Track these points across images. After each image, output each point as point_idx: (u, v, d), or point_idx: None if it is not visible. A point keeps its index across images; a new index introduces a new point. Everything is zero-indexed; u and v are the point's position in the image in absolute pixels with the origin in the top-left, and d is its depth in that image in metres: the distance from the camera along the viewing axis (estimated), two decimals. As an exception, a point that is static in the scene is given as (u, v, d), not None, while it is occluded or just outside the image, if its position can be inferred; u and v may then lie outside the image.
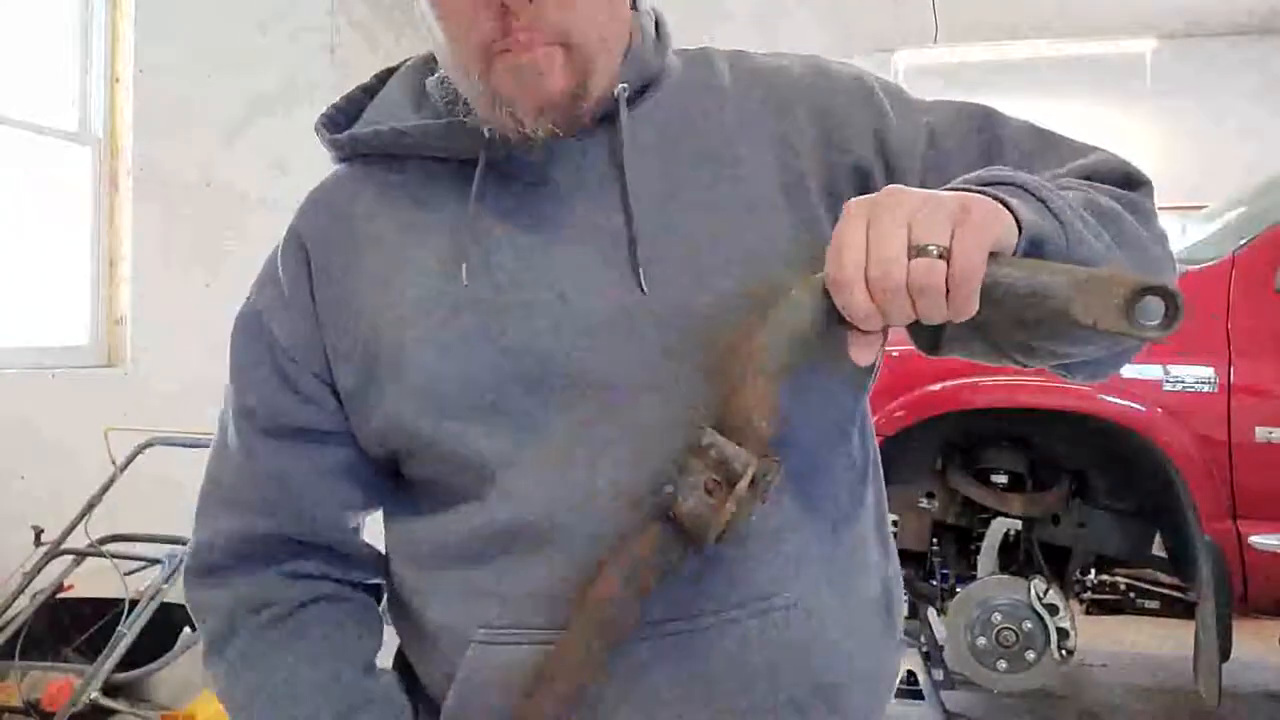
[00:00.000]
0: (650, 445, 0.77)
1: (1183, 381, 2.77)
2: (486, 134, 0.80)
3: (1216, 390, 2.75)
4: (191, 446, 2.86)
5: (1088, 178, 0.83)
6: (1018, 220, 0.67)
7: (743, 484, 0.67)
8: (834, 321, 0.67)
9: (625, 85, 0.81)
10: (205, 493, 0.94)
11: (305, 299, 0.86)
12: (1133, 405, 2.79)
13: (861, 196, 0.67)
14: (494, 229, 0.81)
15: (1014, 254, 0.66)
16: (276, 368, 0.88)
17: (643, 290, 0.78)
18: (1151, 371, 2.80)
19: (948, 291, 0.64)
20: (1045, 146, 0.87)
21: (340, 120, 0.94)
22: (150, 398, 3.42)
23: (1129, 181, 0.87)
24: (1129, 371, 2.82)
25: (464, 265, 0.80)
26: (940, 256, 0.63)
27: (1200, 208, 4.27)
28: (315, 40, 4.47)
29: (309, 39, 4.43)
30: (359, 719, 0.86)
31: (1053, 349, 0.75)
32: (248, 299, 0.92)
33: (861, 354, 0.69)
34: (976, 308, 0.64)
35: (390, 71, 0.96)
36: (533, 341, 0.79)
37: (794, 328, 0.68)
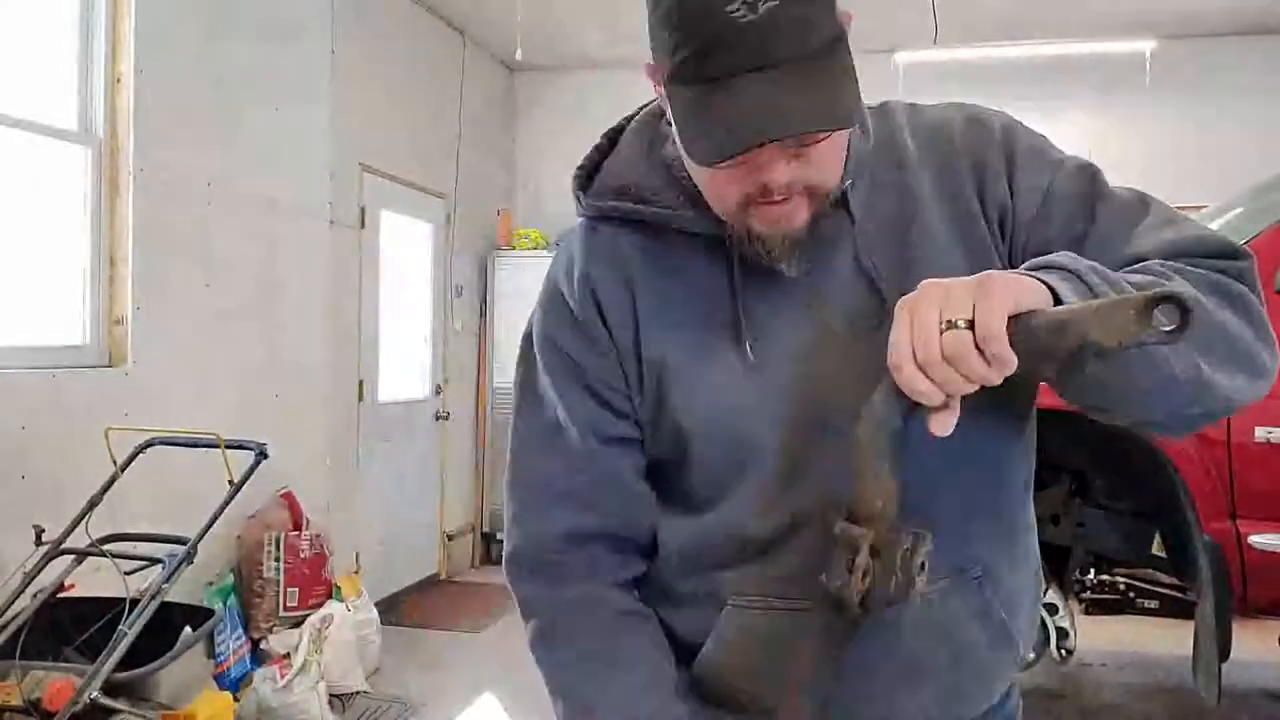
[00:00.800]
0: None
1: (1182, 381, 2.77)
2: (731, 238, 0.95)
3: (1216, 390, 2.75)
4: (191, 446, 2.87)
5: (1186, 253, 0.90)
6: (1050, 288, 0.77)
7: (861, 556, 0.79)
8: (908, 406, 0.78)
9: (850, 182, 0.96)
10: (531, 491, 1.07)
11: (604, 336, 1.02)
12: (1132, 405, 2.79)
13: (905, 296, 0.79)
14: (756, 308, 0.97)
15: None
16: (590, 390, 1.03)
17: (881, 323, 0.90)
18: (1151, 371, 2.80)
19: (981, 353, 0.74)
20: (1142, 210, 0.96)
21: (582, 177, 1.07)
22: (150, 398, 3.42)
23: (1228, 253, 0.91)
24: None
25: (748, 344, 0.97)
26: (966, 326, 0.74)
27: (1200, 208, 4.27)
28: (315, 40, 4.47)
29: (309, 39, 4.43)
30: None
31: (1124, 408, 0.86)
32: (539, 325, 1.07)
33: (939, 427, 0.78)
34: (1014, 361, 0.74)
35: (619, 131, 1.08)
36: (804, 407, 0.96)
37: (880, 421, 0.79)
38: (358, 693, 3.76)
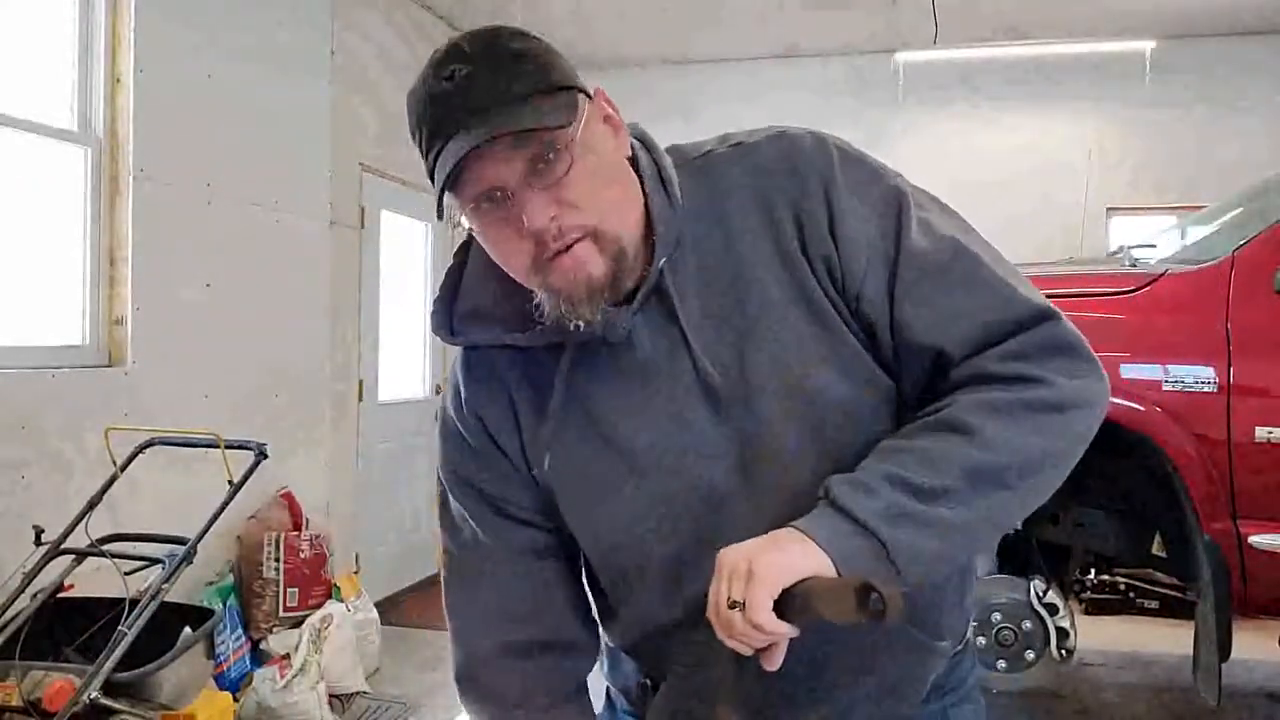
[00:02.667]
0: (749, 530, 0.95)
1: (1182, 381, 2.77)
2: (574, 328, 0.96)
3: (1216, 390, 2.75)
4: (191, 446, 2.87)
5: (989, 342, 0.94)
6: (829, 552, 0.87)
7: None
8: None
9: (665, 264, 0.99)
10: (467, 614, 1.14)
11: (501, 460, 1.07)
12: (1132, 405, 2.79)
13: (721, 553, 0.90)
14: (604, 402, 1.02)
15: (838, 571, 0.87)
16: (502, 513, 1.09)
17: (719, 416, 1.00)
18: (1151, 371, 2.80)
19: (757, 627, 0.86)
20: (942, 280, 0.96)
21: (442, 310, 1.09)
22: (150, 398, 3.42)
23: (1031, 321, 0.96)
24: (1129, 371, 2.82)
25: (599, 459, 1.03)
26: (737, 607, 0.86)
27: (1200, 208, 4.27)
28: (316, 41, 4.47)
29: (309, 40, 4.43)
30: None
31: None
32: (442, 459, 1.12)
33: (768, 664, 0.89)
34: (787, 629, 0.86)
35: (466, 246, 1.10)
36: (655, 487, 1.02)
37: (729, 655, 0.91)
38: (358, 693, 3.76)
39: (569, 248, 0.92)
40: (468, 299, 1.07)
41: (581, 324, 0.95)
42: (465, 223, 0.97)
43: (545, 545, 1.10)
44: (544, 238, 0.91)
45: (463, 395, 1.08)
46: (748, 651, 0.89)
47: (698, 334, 0.99)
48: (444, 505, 1.13)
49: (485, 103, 0.89)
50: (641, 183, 0.99)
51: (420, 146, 0.94)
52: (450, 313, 1.08)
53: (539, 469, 1.05)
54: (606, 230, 0.93)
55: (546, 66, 0.93)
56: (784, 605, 0.85)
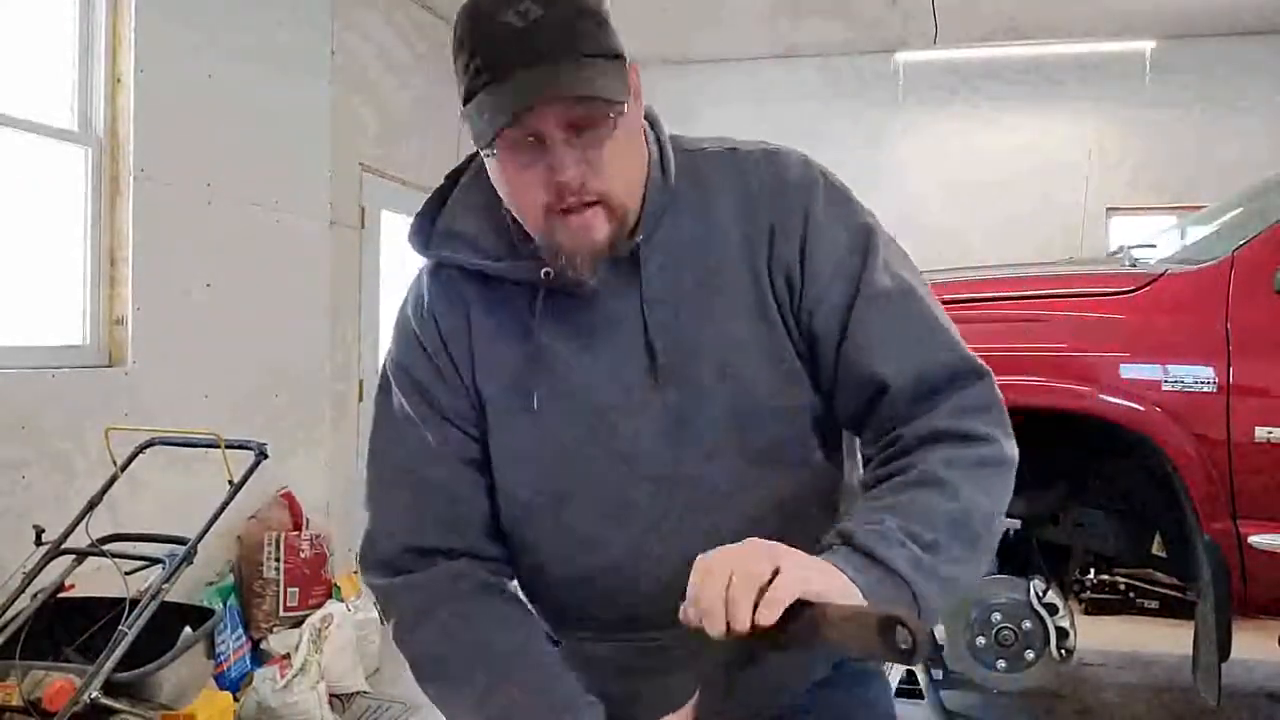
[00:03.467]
0: (657, 504, 1.05)
1: (1182, 381, 2.77)
2: (544, 275, 1.03)
3: (1216, 390, 2.75)
4: (191, 446, 2.87)
5: (930, 387, 1.01)
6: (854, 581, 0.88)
7: None
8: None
9: (642, 238, 1.04)
10: (384, 507, 1.14)
11: (450, 368, 1.11)
12: (1132, 405, 2.79)
13: (701, 558, 0.88)
14: (553, 345, 1.06)
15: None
16: (443, 417, 1.11)
17: (656, 382, 1.05)
18: (1151, 371, 2.80)
19: (755, 603, 0.83)
20: (899, 318, 1.03)
21: (424, 223, 1.13)
22: (150, 398, 3.42)
23: (966, 376, 1.03)
24: (1129, 371, 2.82)
25: (535, 394, 1.06)
26: (766, 578, 0.84)
27: (1200, 208, 4.27)
28: (316, 41, 4.47)
29: (309, 40, 4.43)
30: (556, 682, 1.04)
31: None
32: (394, 356, 1.15)
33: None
34: (771, 623, 0.83)
35: (460, 173, 1.15)
36: (575, 436, 1.07)
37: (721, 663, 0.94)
38: (358, 693, 3.76)
39: (583, 208, 0.98)
40: (449, 220, 1.11)
41: (568, 275, 1.01)
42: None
43: (475, 457, 1.11)
44: (564, 191, 0.96)
45: (425, 300, 1.13)
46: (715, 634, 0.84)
47: (653, 307, 1.05)
48: (384, 401, 1.14)
49: (553, 54, 0.92)
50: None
51: (466, 65, 0.96)
52: (429, 230, 1.12)
53: (484, 389, 1.09)
54: (617, 199, 0.99)
55: (607, 28, 0.96)
56: (786, 618, 0.82)
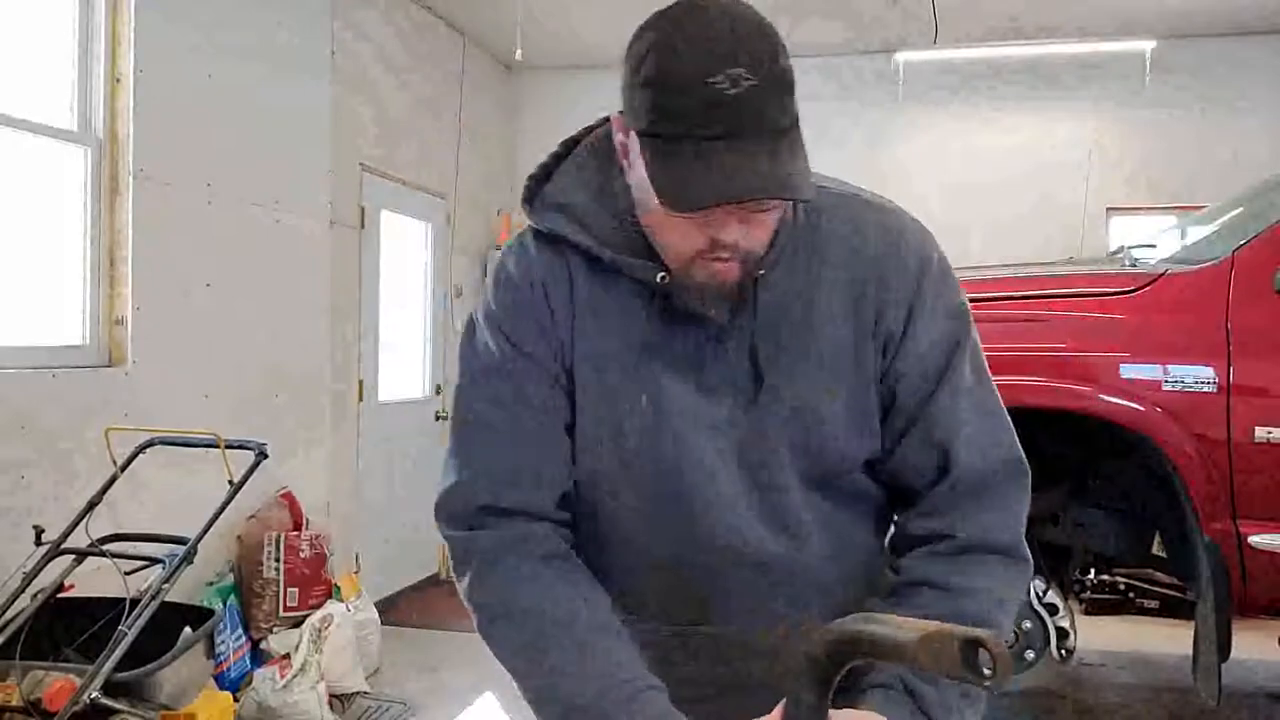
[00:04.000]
0: (723, 519, 1.11)
1: (1182, 381, 2.77)
2: (659, 279, 1.06)
3: (1216, 390, 2.75)
4: (191, 446, 2.87)
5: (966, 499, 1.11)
6: None
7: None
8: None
9: (762, 272, 1.07)
10: (462, 451, 1.13)
11: (551, 331, 1.11)
12: (1132, 405, 2.79)
13: None
14: (659, 352, 1.10)
15: None
16: (536, 367, 1.11)
17: (754, 402, 1.10)
18: (1151, 371, 2.80)
19: None
20: (966, 411, 1.11)
21: (532, 185, 1.16)
22: (150, 398, 3.42)
23: (1023, 473, 1.14)
24: (1129, 371, 2.82)
25: (644, 396, 1.10)
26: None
27: (1200, 208, 4.27)
28: (316, 41, 4.48)
29: (309, 40, 4.43)
30: (612, 643, 1.06)
31: None
32: (493, 310, 1.14)
33: None
34: None
35: (575, 142, 1.16)
36: (665, 439, 1.10)
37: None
38: (358, 693, 3.76)
39: (727, 267, 1.02)
40: (557, 192, 1.13)
41: (696, 308, 1.06)
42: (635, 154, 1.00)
43: (562, 419, 1.12)
44: (719, 248, 1.00)
45: (531, 262, 1.13)
46: None
47: (762, 338, 1.09)
48: (473, 352, 1.14)
49: (759, 134, 0.94)
50: None
51: (663, 110, 0.94)
52: (536, 193, 1.15)
53: (579, 369, 1.11)
54: (758, 253, 1.04)
55: (794, 90, 0.97)
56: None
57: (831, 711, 0.88)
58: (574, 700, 1.03)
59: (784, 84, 0.95)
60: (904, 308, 1.10)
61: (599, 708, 1.01)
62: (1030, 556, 1.12)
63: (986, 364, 1.15)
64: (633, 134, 1.00)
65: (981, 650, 0.74)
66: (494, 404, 1.12)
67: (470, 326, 1.16)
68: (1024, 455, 1.14)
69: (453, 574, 1.15)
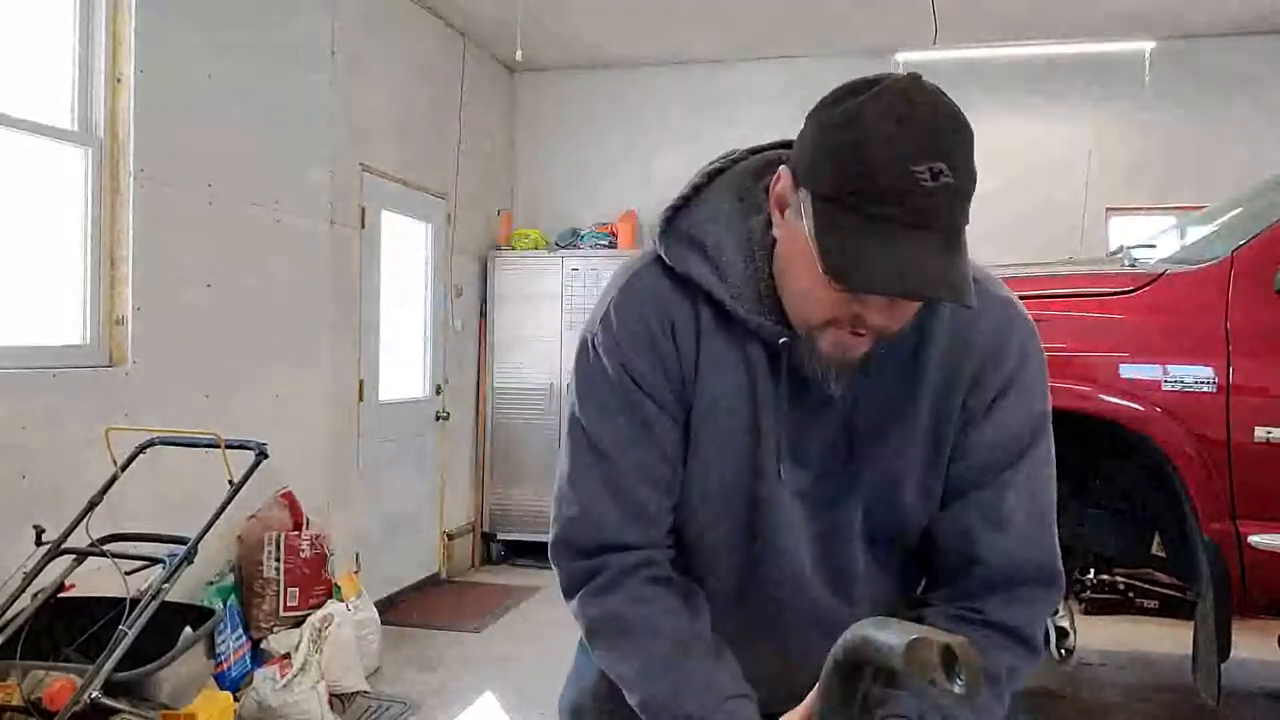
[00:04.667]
0: (801, 583, 1.18)
1: (1182, 381, 2.77)
2: (781, 343, 1.09)
3: (1216, 390, 2.75)
4: (191, 446, 2.87)
5: (1015, 576, 1.16)
6: None
7: None
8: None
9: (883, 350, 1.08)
10: (577, 483, 1.17)
11: (675, 369, 1.13)
12: (1132, 405, 2.80)
13: None
14: (765, 418, 1.13)
15: None
16: (653, 402, 1.14)
17: (844, 469, 1.15)
18: (1151, 371, 2.80)
19: None
20: (1014, 508, 1.15)
21: (669, 215, 1.15)
22: (150, 398, 3.42)
23: (1046, 581, 1.19)
24: (1129, 371, 2.83)
25: (779, 470, 1.14)
26: None
27: (1200, 208, 4.27)
28: (316, 41, 4.48)
29: (309, 39, 4.43)
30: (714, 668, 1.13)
31: None
32: (610, 339, 1.14)
33: None
34: None
35: (713, 175, 1.16)
36: (760, 512, 1.16)
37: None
38: (358, 693, 3.76)
39: (862, 333, 1.03)
40: (693, 226, 1.13)
41: (815, 376, 1.08)
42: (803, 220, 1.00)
43: (676, 452, 1.15)
44: (854, 319, 1.01)
45: (661, 295, 1.13)
46: None
47: (860, 411, 1.13)
48: (591, 377, 1.16)
49: (939, 230, 0.95)
50: None
51: (856, 183, 0.94)
52: (674, 222, 1.14)
53: (695, 410, 1.14)
54: (890, 334, 1.05)
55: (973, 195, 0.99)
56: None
57: None
58: (685, 710, 1.09)
59: (973, 187, 0.96)
60: (991, 393, 1.13)
61: (703, 715, 1.09)
62: (1042, 649, 1.18)
63: (1052, 466, 1.20)
64: (803, 192, 1.00)
65: (958, 662, 0.77)
66: (615, 439, 1.14)
67: (588, 349, 1.17)
68: (1059, 563, 1.18)
69: (563, 595, 1.20)
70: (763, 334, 1.10)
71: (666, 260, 1.13)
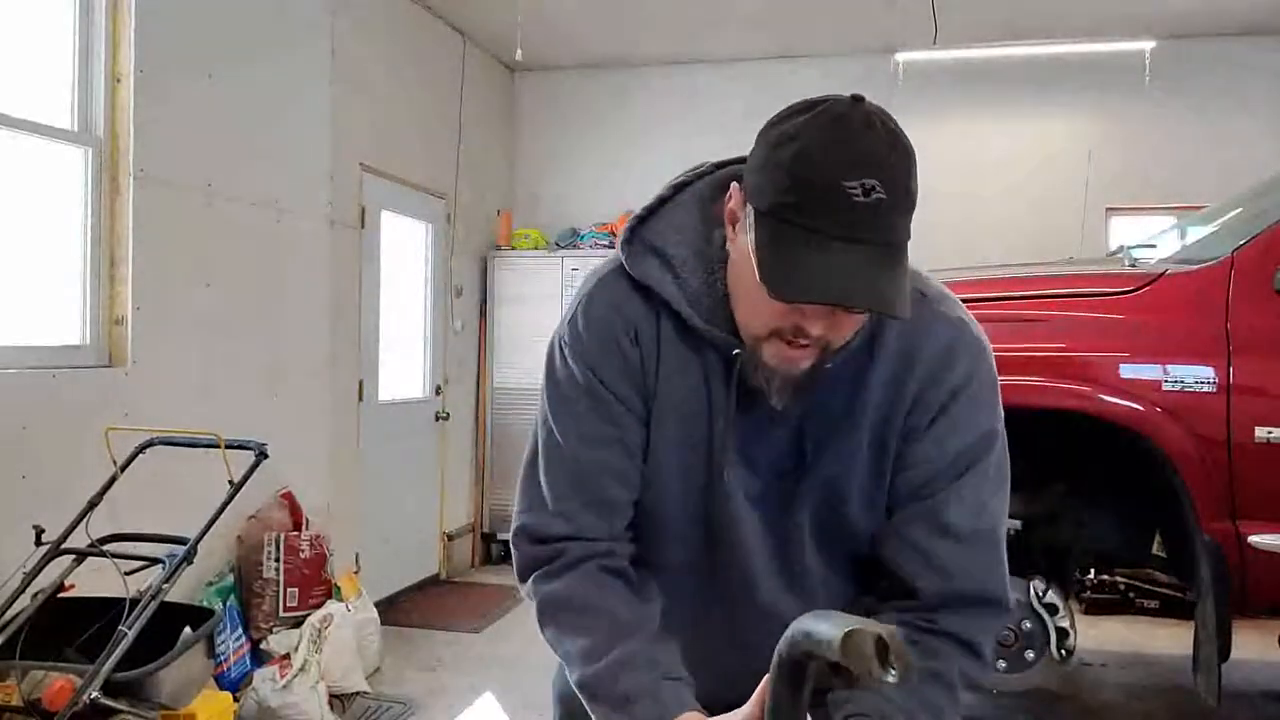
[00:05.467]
0: (753, 583, 1.23)
1: (1182, 381, 2.77)
2: (734, 354, 1.12)
3: (1216, 390, 2.75)
4: (191, 446, 2.87)
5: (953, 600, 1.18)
6: None
7: None
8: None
9: (829, 366, 1.11)
10: (543, 477, 1.23)
11: (638, 377, 1.19)
12: (1132, 405, 2.79)
13: None
14: (720, 424, 1.17)
15: None
16: (616, 400, 1.19)
17: (795, 483, 1.20)
18: (1151, 371, 2.80)
19: None
20: (975, 522, 1.18)
21: (634, 224, 1.21)
22: (150, 398, 3.42)
23: (1003, 610, 1.22)
24: (1129, 371, 2.82)
25: (725, 472, 1.18)
26: None
27: (1199, 208, 4.27)
28: (315, 41, 4.48)
29: (309, 39, 4.43)
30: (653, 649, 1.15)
31: None
32: (577, 343, 1.20)
33: None
34: None
35: (681, 188, 1.21)
36: (721, 515, 1.21)
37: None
38: (358, 693, 3.76)
39: (805, 345, 1.06)
40: (655, 235, 1.18)
41: (758, 389, 1.12)
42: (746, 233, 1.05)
43: (638, 447, 1.20)
44: (801, 335, 1.05)
45: (624, 300, 1.19)
46: None
47: (807, 422, 1.17)
48: (555, 379, 1.22)
49: (874, 246, 0.98)
50: None
51: (789, 199, 0.99)
52: (637, 232, 1.20)
53: (655, 412, 1.19)
54: (834, 348, 1.09)
55: (913, 212, 1.03)
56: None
57: None
58: (623, 689, 1.12)
59: (909, 204, 1.00)
60: (933, 412, 1.16)
61: (638, 695, 1.11)
62: (991, 663, 1.22)
63: (1003, 490, 1.21)
64: (749, 207, 1.04)
65: (890, 652, 0.79)
66: (579, 437, 1.19)
67: (556, 351, 1.22)
68: (1007, 591, 1.20)
69: (517, 577, 1.25)
70: (716, 344, 1.14)
71: (628, 269, 1.18)
